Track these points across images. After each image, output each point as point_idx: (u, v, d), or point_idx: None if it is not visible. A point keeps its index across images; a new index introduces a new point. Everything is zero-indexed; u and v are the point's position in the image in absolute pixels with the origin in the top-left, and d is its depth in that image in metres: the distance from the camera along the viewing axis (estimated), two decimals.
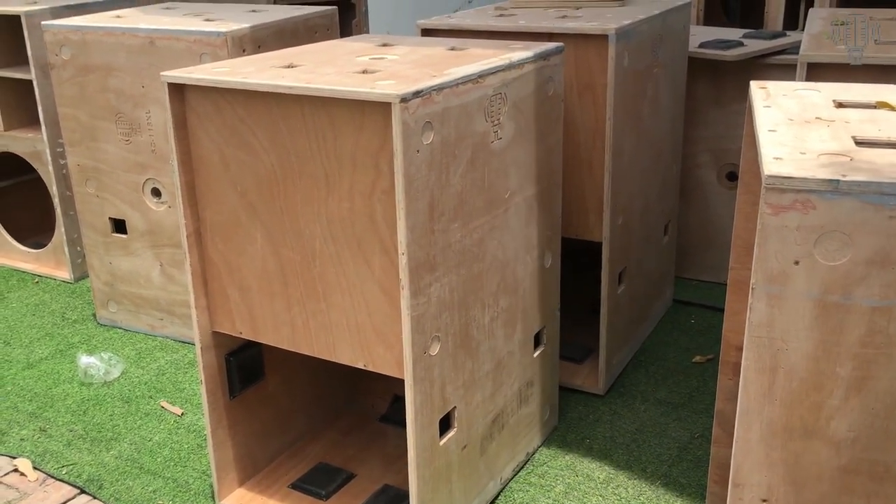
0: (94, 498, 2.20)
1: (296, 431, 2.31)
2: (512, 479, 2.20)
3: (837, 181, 1.01)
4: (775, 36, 3.05)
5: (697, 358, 2.75)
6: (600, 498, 2.12)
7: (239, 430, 2.12)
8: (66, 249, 3.46)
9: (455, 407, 1.87)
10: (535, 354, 2.22)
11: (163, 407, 2.58)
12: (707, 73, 2.99)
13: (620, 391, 2.58)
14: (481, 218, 1.85)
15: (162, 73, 1.79)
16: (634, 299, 2.69)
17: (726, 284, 3.22)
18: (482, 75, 1.76)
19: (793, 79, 1.83)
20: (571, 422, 2.44)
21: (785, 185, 1.03)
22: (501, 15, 2.57)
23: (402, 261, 1.63)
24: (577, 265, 2.70)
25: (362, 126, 1.62)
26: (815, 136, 1.18)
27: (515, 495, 2.14)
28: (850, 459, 1.12)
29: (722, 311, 3.01)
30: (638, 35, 2.36)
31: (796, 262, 1.05)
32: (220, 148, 1.81)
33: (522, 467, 2.25)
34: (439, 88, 1.62)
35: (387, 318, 1.72)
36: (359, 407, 2.49)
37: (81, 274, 3.49)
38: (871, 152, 1.11)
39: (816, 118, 1.27)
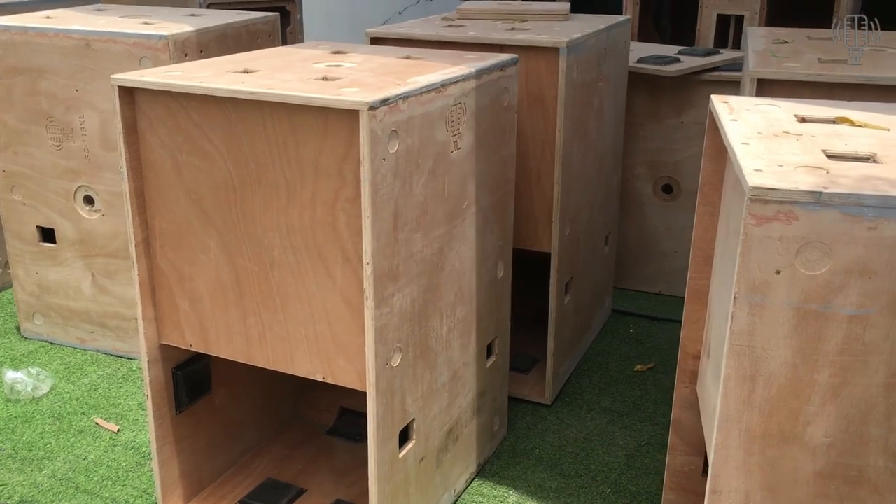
0: None
1: (243, 446, 2.25)
2: (465, 490, 2.19)
3: (820, 193, 1.04)
4: (709, 53, 3.15)
5: (639, 367, 2.80)
6: None
7: (185, 445, 2.05)
8: None
9: (414, 419, 1.85)
10: (488, 365, 2.21)
11: (97, 423, 2.47)
12: (645, 88, 3.06)
13: (566, 400, 2.61)
14: (441, 228, 1.84)
15: (112, 76, 1.72)
16: (579, 309, 2.72)
17: (662, 295, 3.31)
18: (444, 84, 1.75)
19: (727, 94, 1.88)
20: (520, 432, 2.45)
21: (769, 197, 1.05)
22: (450, 25, 2.57)
23: (367, 270, 1.60)
24: (521, 275, 2.72)
25: (326, 133, 1.59)
26: (787, 149, 1.22)
27: None
28: (826, 464, 1.15)
29: (659, 320, 3.11)
30: (586, 49, 2.40)
31: (778, 272, 1.08)
32: (173, 154, 1.75)
33: (474, 478, 2.24)
34: (405, 97, 1.61)
35: (348, 329, 1.69)
36: (305, 420, 2.43)
37: (3, 285, 3.32)
38: (843, 165, 1.15)
39: (784, 132, 1.31)
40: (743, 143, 1.24)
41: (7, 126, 2.74)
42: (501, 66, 2.02)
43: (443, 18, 2.73)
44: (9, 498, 2.15)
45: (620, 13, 3.89)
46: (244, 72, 1.80)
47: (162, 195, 1.79)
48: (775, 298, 1.09)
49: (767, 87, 1.85)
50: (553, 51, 2.26)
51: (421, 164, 1.71)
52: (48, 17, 2.77)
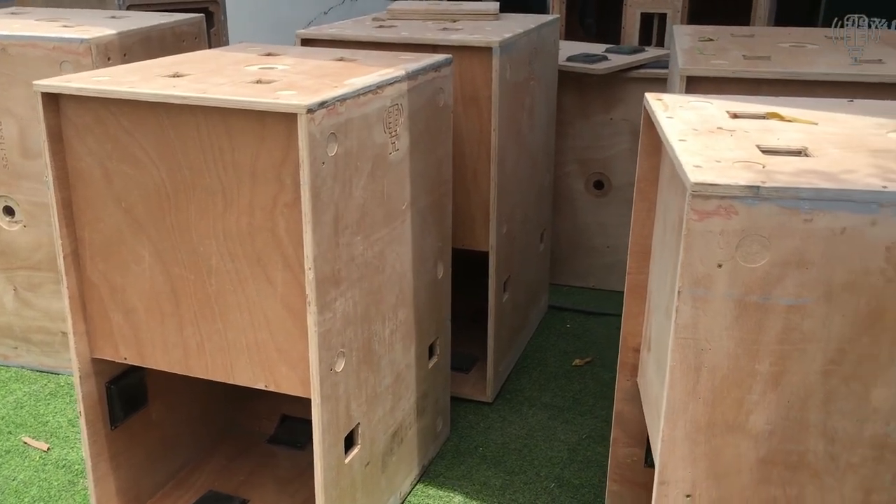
0: None
1: (181, 459, 2.19)
2: (410, 493, 2.18)
3: (758, 187, 1.07)
4: (635, 51, 3.21)
5: (577, 361, 2.83)
6: None
7: (121, 461, 1.99)
8: None
9: (359, 423, 1.84)
10: (430, 366, 2.21)
11: (26, 443, 2.38)
12: (574, 86, 3.10)
13: (507, 398, 2.62)
14: (381, 230, 1.83)
15: (35, 83, 1.66)
16: (517, 307, 2.74)
17: (595, 289, 3.37)
18: (381, 86, 1.74)
19: (654, 91, 1.92)
20: (463, 431, 2.45)
21: (709, 192, 1.07)
22: (381, 26, 2.56)
23: (309, 276, 1.58)
24: (458, 274, 2.72)
25: (263, 137, 1.56)
26: (722, 145, 1.25)
27: None
28: (768, 451, 1.18)
29: (594, 314, 3.16)
30: (517, 48, 2.41)
31: (719, 265, 1.10)
32: (102, 162, 1.69)
33: (419, 480, 2.23)
34: (343, 99, 1.59)
35: (290, 335, 1.67)
36: (245, 429, 2.39)
37: None
38: (778, 160, 1.18)
39: (718, 128, 1.34)
40: (680, 140, 1.27)
41: None
42: (436, 67, 2.01)
43: (373, 19, 2.71)
44: None
45: (545, 12, 3.94)
46: (174, 76, 1.75)
47: (90, 205, 1.73)
48: (717, 291, 1.12)
49: (696, 84, 1.89)
50: (486, 51, 2.27)
51: (360, 166, 1.70)
52: None
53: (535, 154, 2.75)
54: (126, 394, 1.95)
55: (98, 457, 1.92)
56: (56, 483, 2.21)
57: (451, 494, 2.18)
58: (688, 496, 1.21)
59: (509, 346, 2.72)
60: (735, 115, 1.42)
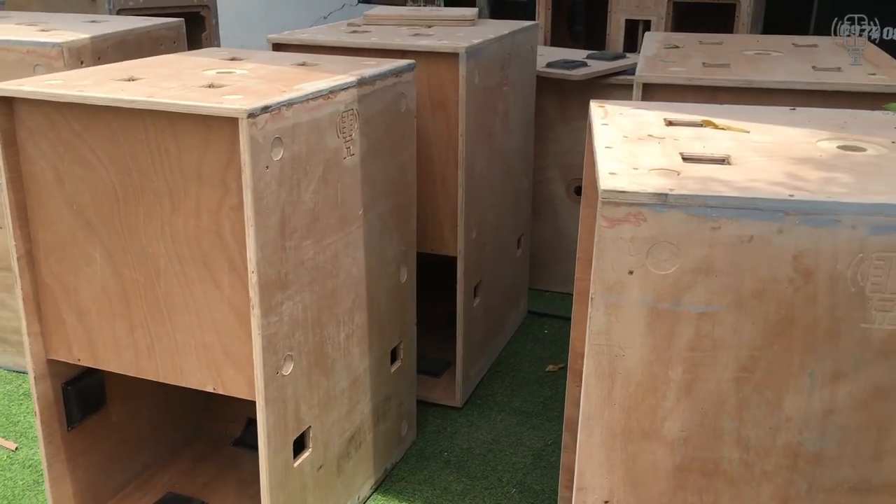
0: None
1: (143, 461, 2.21)
2: (370, 496, 2.19)
3: (666, 195, 1.07)
4: (616, 57, 3.21)
5: (550, 367, 2.83)
6: None
7: (79, 462, 2.00)
8: None
9: (310, 427, 1.84)
10: (392, 370, 2.22)
11: None
12: (554, 92, 3.10)
13: (477, 403, 2.62)
14: (335, 234, 1.83)
15: None
16: (490, 312, 2.74)
17: None
18: (333, 91, 1.75)
19: (631, 97, 1.93)
20: (430, 435, 2.45)
21: (619, 199, 1.08)
22: (354, 31, 2.57)
23: (252, 279, 1.59)
24: (433, 278, 2.73)
25: (209, 141, 1.57)
26: (646, 152, 1.25)
27: None
28: (684, 458, 1.18)
29: None
30: (488, 53, 2.42)
31: (630, 272, 1.10)
32: (55, 164, 1.71)
33: (381, 484, 2.24)
34: (289, 104, 1.60)
35: (236, 338, 1.68)
36: (212, 432, 2.40)
37: None
38: (696, 167, 1.18)
39: (649, 136, 1.34)
40: (606, 147, 1.27)
41: None
42: (397, 72, 2.02)
43: (348, 24, 2.73)
44: None
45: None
46: (129, 79, 1.77)
47: (44, 207, 1.75)
48: (629, 298, 1.11)
49: (653, 92, 1.89)
50: (453, 56, 2.27)
51: (310, 170, 1.71)
52: None
53: (509, 159, 2.75)
54: (83, 395, 1.96)
55: (54, 457, 1.94)
56: (21, 482, 2.23)
57: (412, 498, 2.18)
58: (606, 502, 1.21)
59: (482, 350, 2.72)
60: (670, 123, 1.42)
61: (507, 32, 2.57)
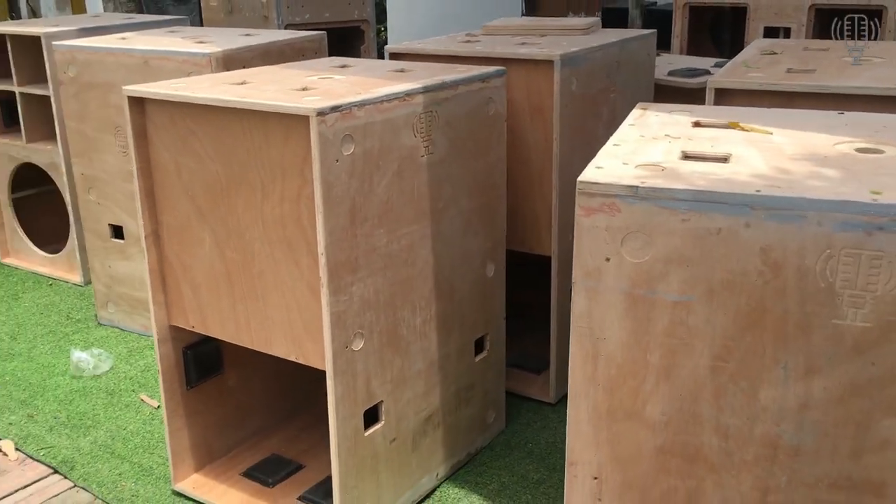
0: (65, 478, 2.38)
1: (254, 425, 2.47)
2: (451, 476, 2.32)
3: (636, 187, 1.13)
4: None
5: None
6: (530, 497, 2.23)
7: (196, 420, 2.29)
8: (77, 254, 3.69)
9: (382, 401, 2.01)
10: (477, 360, 2.34)
11: (142, 400, 2.76)
12: (673, 100, 3.09)
13: None
14: (411, 226, 2.00)
15: (123, 87, 1.99)
16: None
17: None
18: (409, 94, 1.91)
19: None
20: (518, 427, 2.55)
21: (593, 190, 1.15)
22: (468, 41, 2.73)
23: (322, 261, 1.78)
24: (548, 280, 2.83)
25: (289, 137, 1.79)
26: (650, 150, 1.31)
27: (450, 490, 2.27)
28: (665, 441, 1.23)
29: None
30: (589, 61, 2.49)
31: (607, 259, 1.18)
32: (175, 157, 1.99)
33: (463, 466, 2.37)
34: (361, 104, 1.78)
35: (313, 314, 1.88)
36: (319, 407, 2.62)
37: (91, 278, 3.72)
38: (689, 164, 1.23)
39: (666, 135, 1.39)
40: (615, 145, 1.34)
41: (84, 135, 3.10)
42: (483, 78, 2.16)
43: (466, 35, 2.89)
44: (53, 458, 2.46)
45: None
46: (241, 83, 2.02)
47: (166, 193, 2.04)
48: (607, 284, 1.19)
49: (728, 97, 1.90)
50: (548, 63, 2.37)
51: (383, 165, 1.88)
52: (122, 38, 3.12)
53: None
54: (200, 359, 2.25)
55: (174, 413, 2.23)
56: (157, 435, 2.56)
57: (489, 481, 2.30)
58: (595, 478, 1.29)
59: None
60: (697, 124, 1.46)
61: (614, 41, 2.63)
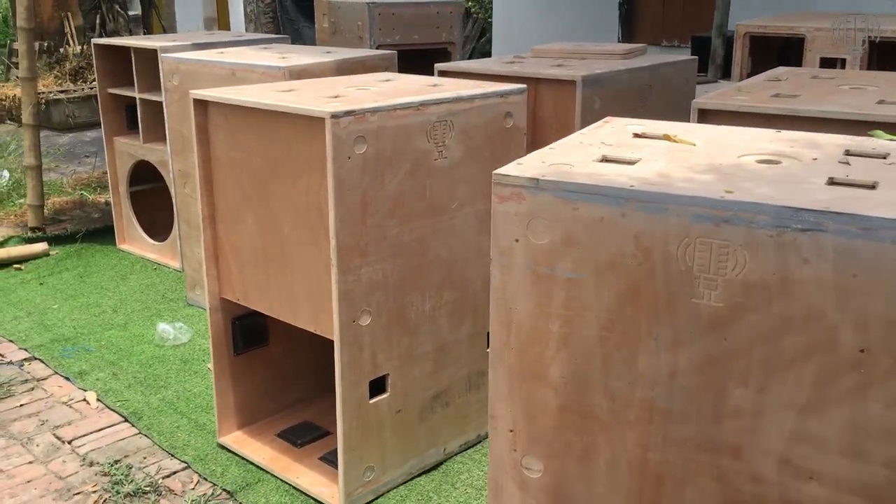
0: (133, 426, 2.77)
1: (293, 395, 2.78)
2: (458, 453, 2.55)
3: (538, 180, 1.35)
4: None
5: None
6: None
7: (241, 384, 2.62)
8: (178, 243, 4.15)
9: (388, 374, 2.28)
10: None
11: (208, 369, 3.14)
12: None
13: None
14: (422, 220, 2.26)
15: (191, 91, 2.36)
16: None
17: None
18: (424, 104, 2.19)
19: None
20: None
21: (505, 181, 1.38)
22: (511, 62, 2.98)
23: (332, 243, 2.07)
24: None
25: (314, 136, 2.09)
26: (575, 153, 1.52)
27: (455, 465, 2.50)
28: (565, 400, 1.43)
29: None
30: (614, 83, 2.69)
31: (516, 240, 1.40)
32: (227, 151, 2.34)
33: (472, 446, 2.59)
34: (374, 111, 2.07)
35: (328, 290, 2.17)
36: None
37: (184, 263, 4.16)
38: (598, 166, 1.43)
39: (602, 143, 1.60)
40: (550, 148, 1.56)
41: (182, 136, 3.54)
42: (502, 94, 2.40)
43: (514, 57, 3.14)
44: (125, 410, 2.85)
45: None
46: (287, 91, 2.35)
47: (220, 182, 2.39)
48: (517, 261, 1.41)
49: (711, 116, 2.08)
50: (571, 83, 2.59)
51: (395, 164, 2.16)
52: (220, 53, 3.54)
53: None
54: (247, 330, 2.58)
55: (221, 374, 2.57)
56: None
57: None
58: (511, 431, 1.50)
59: None
60: (636, 135, 1.66)
61: (645, 65, 2.81)
